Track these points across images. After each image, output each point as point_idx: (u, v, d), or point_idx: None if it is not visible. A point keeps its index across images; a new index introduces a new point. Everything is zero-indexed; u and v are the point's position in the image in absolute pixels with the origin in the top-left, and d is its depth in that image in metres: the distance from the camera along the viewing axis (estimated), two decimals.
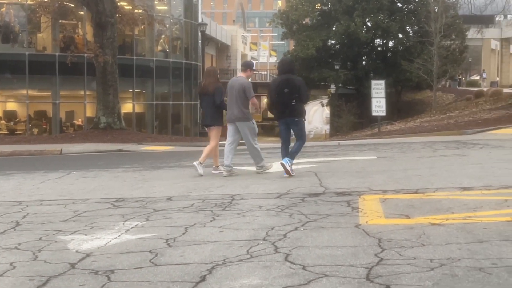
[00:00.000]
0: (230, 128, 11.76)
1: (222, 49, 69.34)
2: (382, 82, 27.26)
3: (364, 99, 42.78)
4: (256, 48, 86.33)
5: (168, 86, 41.04)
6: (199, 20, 42.05)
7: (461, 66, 56.08)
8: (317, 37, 48.62)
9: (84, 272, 5.04)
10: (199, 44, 42.06)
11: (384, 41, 52.10)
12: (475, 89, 55.06)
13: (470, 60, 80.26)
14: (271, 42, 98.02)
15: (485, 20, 69.88)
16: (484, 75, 77.84)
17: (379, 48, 53.02)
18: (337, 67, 48.66)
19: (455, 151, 14.56)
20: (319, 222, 6.67)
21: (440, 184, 9.13)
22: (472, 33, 48.63)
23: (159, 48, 41.04)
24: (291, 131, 11.35)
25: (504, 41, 76.59)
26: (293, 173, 10.95)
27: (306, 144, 13.79)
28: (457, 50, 48.41)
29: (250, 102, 11.64)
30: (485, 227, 6.03)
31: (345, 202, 7.91)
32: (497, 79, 79.08)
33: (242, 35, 76.34)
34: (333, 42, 52.35)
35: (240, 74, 12.03)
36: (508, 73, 77.14)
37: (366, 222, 6.54)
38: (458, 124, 24.90)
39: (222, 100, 12.04)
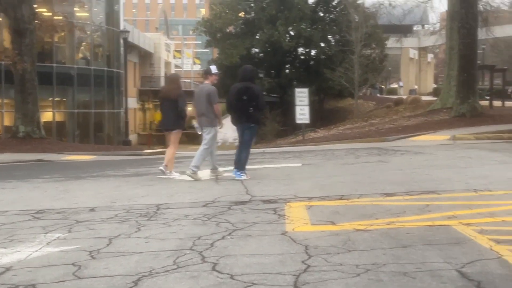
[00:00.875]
0: (200, 131, 12.10)
1: (145, 57, 68.61)
2: (306, 90, 27.57)
3: (288, 106, 43.23)
4: (180, 56, 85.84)
5: (90, 94, 40.28)
6: (121, 27, 41.50)
7: (381, 75, 57.57)
8: (241, 45, 48.83)
9: (4, 286, 4.84)
10: (122, 52, 41.48)
11: (307, 50, 52.86)
12: (395, 97, 56.69)
13: (389, 68, 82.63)
14: (195, 49, 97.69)
15: (404, 30, 72.26)
16: (401, 84, 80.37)
17: (302, 57, 53.73)
18: (261, 75, 49.02)
19: (377, 157, 14.89)
20: (246, 230, 6.66)
21: (364, 190, 9.31)
22: (391, 42, 50.12)
23: (80, 55, 40.24)
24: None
25: (422, 50, 79.22)
26: (248, 176, 11.42)
27: (231, 151, 13.86)
28: (377, 59, 49.64)
29: (214, 108, 11.83)
30: (408, 232, 6.17)
31: (271, 209, 7.94)
32: (415, 87, 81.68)
33: (165, 43, 75.78)
34: (257, 50, 52.70)
35: (205, 81, 12.22)
36: (425, 81, 79.84)
37: (293, 229, 6.58)
38: (380, 131, 25.51)
39: (184, 106, 12.47)
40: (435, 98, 46.23)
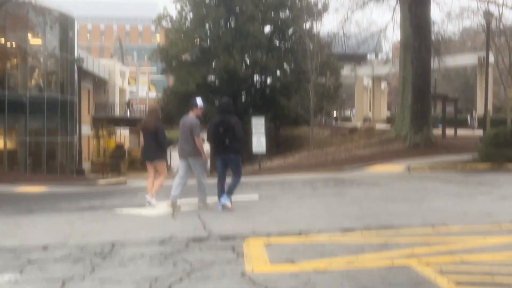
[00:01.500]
0: (181, 164, 12.41)
1: (100, 84, 67.96)
2: (262, 119, 27.59)
3: (245, 134, 43.25)
4: (135, 83, 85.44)
5: (43, 122, 39.60)
6: (76, 54, 41.07)
7: (336, 103, 58.14)
8: (197, 72, 48.79)
9: None
10: (76, 79, 41.01)
11: (263, 78, 53.11)
12: (350, 124, 57.42)
13: (344, 96, 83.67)
14: (150, 76, 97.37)
15: (358, 59, 73.31)
16: (354, 112, 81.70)
17: (258, 85, 53.89)
18: (217, 103, 49.03)
19: (334, 189, 14.94)
20: (205, 271, 6.54)
21: (322, 225, 9.29)
22: (346, 71, 50.83)
23: (33, 82, 39.59)
24: (227, 168, 12.05)
25: (376, 79, 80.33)
26: (231, 207, 11.61)
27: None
28: (332, 87, 50.15)
29: (195, 141, 12.08)
30: (368, 272, 6.15)
31: (230, 247, 7.84)
32: (370, 114, 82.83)
33: (120, 69, 75.29)
34: (213, 78, 52.71)
35: (190, 113, 12.40)
36: (379, 109, 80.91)
37: (252, 269, 6.49)
38: (336, 160, 25.71)
39: (164, 138, 12.95)
40: (389, 126, 46.93)
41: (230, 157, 11.90)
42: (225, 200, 11.73)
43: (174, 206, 12.20)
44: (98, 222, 10.91)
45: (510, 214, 9.88)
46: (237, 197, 13.50)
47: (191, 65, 50.98)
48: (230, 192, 11.89)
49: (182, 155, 12.39)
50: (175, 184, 12.38)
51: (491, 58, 36.00)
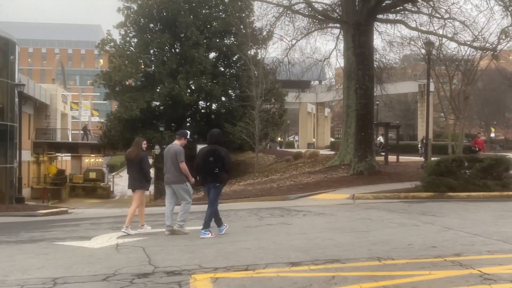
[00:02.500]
0: (167, 192, 13.02)
1: (41, 108, 66.74)
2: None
3: (191, 163, 43.06)
4: (77, 108, 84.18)
5: None
6: (17, 79, 40.21)
7: (281, 129, 58.63)
8: (141, 98, 48.49)
9: None
10: (16, 104, 40.10)
11: (208, 104, 53.21)
12: (294, 150, 57.79)
13: (288, 122, 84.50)
14: (93, 101, 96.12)
15: (303, 85, 74.29)
16: (297, 138, 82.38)
17: (203, 110, 53.96)
18: (161, 128, 48.72)
19: (280, 219, 14.95)
20: None
21: (269, 258, 9.25)
22: (290, 97, 51.27)
23: None
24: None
25: (319, 105, 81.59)
26: (213, 234, 12.14)
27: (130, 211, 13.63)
28: (276, 113, 50.53)
29: (180, 167, 12.57)
30: None
31: (175, 283, 7.72)
32: (313, 140, 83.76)
33: (62, 94, 74.12)
34: (157, 103, 52.47)
35: (175, 141, 13.02)
36: (323, 134, 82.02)
37: None
38: (281, 188, 25.74)
39: (147, 167, 13.64)
40: (332, 152, 47.47)
41: (215, 185, 12.33)
42: (203, 235, 12.11)
43: (173, 232, 12.68)
44: (39, 256, 10.60)
45: (453, 246, 10.05)
46: (186, 228, 13.35)
47: (135, 90, 50.68)
48: (206, 225, 12.27)
49: (167, 182, 12.91)
50: (166, 215, 12.92)
51: (432, 86, 36.87)
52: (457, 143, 31.57)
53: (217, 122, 49.36)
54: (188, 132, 13.53)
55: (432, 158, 26.76)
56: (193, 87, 50.43)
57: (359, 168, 26.89)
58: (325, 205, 18.24)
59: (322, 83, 76.73)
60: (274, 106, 50.61)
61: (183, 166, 12.68)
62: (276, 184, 28.48)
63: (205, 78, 49.28)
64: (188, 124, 52.60)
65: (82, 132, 73.32)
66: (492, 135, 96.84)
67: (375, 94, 32.29)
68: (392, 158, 37.95)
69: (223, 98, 52.12)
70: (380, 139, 49.51)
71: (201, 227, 12.41)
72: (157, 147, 51.26)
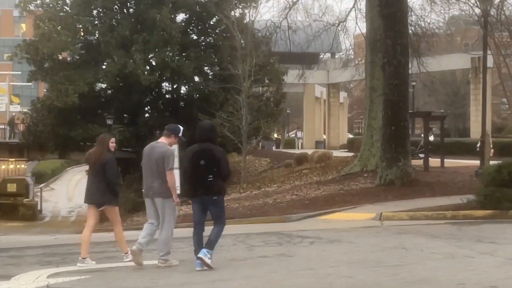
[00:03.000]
0: (149, 207, 13.41)
1: None
2: (174, 146, 27.42)
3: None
4: None
5: None
6: None
7: (278, 121, 58.53)
8: (81, 79, 48.23)
9: None
10: None
11: (175, 86, 53.07)
12: (297, 151, 57.77)
13: (288, 112, 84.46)
14: (11, 83, 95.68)
15: (308, 60, 74.35)
16: (299, 134, 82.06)
17: (168, 96, 53.80)
18: (109, 121, 48.58)
19: (278, 249, 15.01)
20: None
21: None
22: (291, 77, 51.17)
23: None
24: (207, 213, 12.82)
25: (332, 88, 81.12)
26: (213, 266, 12.29)
27: (73, 239, 13.68)
28: (272, 99, 50.42)
29: (166, 176, 12.90)
30: None
31: None
32: (324, 137, 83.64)
33: None
34: (103, 86, 52.32)
35: (162, 139, 13.46)
36: (337, 129, 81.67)
37: None
38: (279, 205, 25.74)
39: (114, 176, 14.02)
40: (350, 154, 47.49)
41: (212, 199, 12.62)
42: (204, 255, 12.30)
43: (135, 254, 13.02)
44: None
45: None
46: (144, 262, 13.40)
47: (72, 68, 50.45)
48: (211, 246, 12.55)
49: (148, 195, 13.26)
50: (146, 231, 13.38)
51: (490, 61, 36.97)
52: None
53: (188, 111, 49.26)
54: (181, 128, 13.67)
55: (491, 162, 26.87)
56: (153, 63, 50.21)
57: (388, 177, 26.95)
58: (341, 229, 18.27)
59: (336, 57, 76.83)
60: (269, 89, 50.55)
61: (171, 176, 13.01)
62: (272, 199, 28.50)
63: (170, 50, 49.06)
64: (147, 115, 52.47)
65: (8, 127, 72.56)
66: None
67: (410, 72, 32.30)
68: (434, 161, 38.05)
69: (197, 78, 51.93)
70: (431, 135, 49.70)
71: (209, 251, 12.55)
72: None
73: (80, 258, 13.80)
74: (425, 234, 16.59)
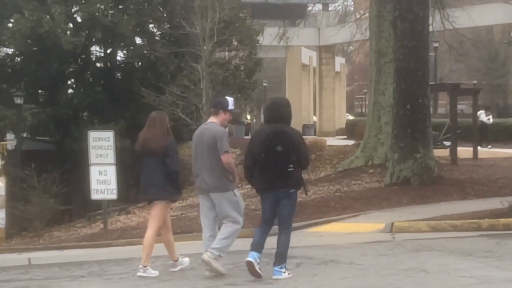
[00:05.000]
0: (203, 205, 14.71)
1: None
2: (109, 134, 27.29)
3: (74, 163, 42.88)
4: None
5: None
6: None
7: (252, 97, 58.54)
8: None
9: None
10: None
11: (109, 51, 52.94)
12: None
13: (265, 85, 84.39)
14: None
15: (292, 14, 74.24)
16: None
17: (98, 64, 53.70)
18: (18, 100, 48.31)
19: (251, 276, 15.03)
20: None
21: None
22: (269, 37, 51.15)
23: None
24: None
25: (325, 52, 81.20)
26: (290, 273, 14.05)
27: None
28: (243, 68, 50.34)
29: (222, 161, 14.12)
30: None
31: None
32: (314, 119, 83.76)
33: None
34: (10, 51, 52.10)
35: (211, 119, 14.78)
36: (332, 109, 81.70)
37: None
38: (253, 214, 24.96)
39: (177, 165, 15.12)
40: (351, 142, 47.63)
41: (289, 192, 13.82)
42: (278, 274, 13.86)
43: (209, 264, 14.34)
44: None
45: None
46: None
47: None
48: (283, 258, 13.94)
49: (202, 190, 14.67)
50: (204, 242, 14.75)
51: None
52: None
53: (127, 85, 49.18)
54: (229, 99, 14.81)
55: None
56: (79, 19, 50.14)
57: (402, 173, 27.06)
58: (339, 245, 18.34)
59: (330, 9, 77.03)
60: (238, 54, 50.48)
61: (228, 159, 14.22)
62: (245, 204, 28.54)
63: (102, 1, 48.96)
64: (71, 90, 52.35)
65: None
66: None
67: (431, 29, 32.39)
68: (465, 151, 38.22)
69: (139, 40, 51.88)
70: (482, 115, 50.31)
71: (282, 265, 13.93)
72: (10, 136, 50.99)
73: (141, 266, 15.10)
74: (453, 251, 16.68)
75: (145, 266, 15.03)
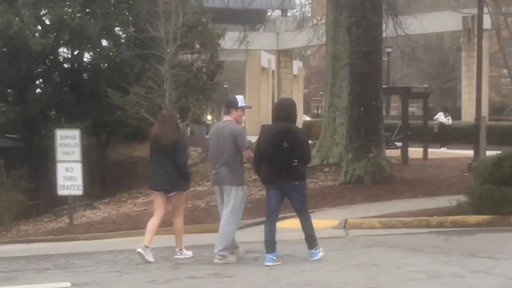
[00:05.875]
0: (217, 195, 15.78)
1: None
2: (76, 133, 27.27)
3: (42, 159, 42.63)
4: None
5: None
6: None
7: (213, 99, 58.45)
8: None
9: None
10: None
11: (76, 53, 52.72)
12: None
13: (226, 86, 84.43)
14: None
15: (252, 19, 74.26)
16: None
17: (66, 65, 53.44)
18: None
19: (212, 267, 15.10)
20: None
21: None
22: (230, 41, 51.15)
23: None
24: (283, 201, 15.39)
25: (283, 56, 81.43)
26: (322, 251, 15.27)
27: None
28: (205, 71, 50.33)
29: (243, 156, 15.19)
30: None
31: None
32: None
33: None
34: None
35: (226, 118, 15.57)
36: None
37: None
38: (213, 210, 25.61)
39: (185, 158, 16.35)
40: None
41: (294, 184, 14.81)
42: (315, 256, 15.09)
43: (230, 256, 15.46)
44: None
45: None
46: (32, 286, 13.39)
47: None
48: (313, 243, 15.18)
49: (217, 181, 15.49)
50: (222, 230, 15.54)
51: (486, 21, 37.34)
52: None
53: (94, 85, 49.00)
54: (239, 97, 15.68)
55: (488, 152, 27.15)
56: (47, 22, 49.87)
57: (356, 172, 27.13)
58: (295, 241, 18.27)
59: (289, 15, 77.05)
60: (200, 57, 50.46)
61: (249, 154, 15.14)
62: (205, 202, 28.55)
63: (70, 5, 48.76)
64: (39, 90, 52.07)
65: None
66: None
67: (385, 35, 32.48)
68: (415, 152, 38.40)
69: (105, 43, 51.67)
70: (441, 116, 50.89)
71: (315, 248, 15.17)
72: None
73: (142, 245, 15.93)
74: (403, 246, 16.74)
75: (181, 249, 16.50)
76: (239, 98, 15.60)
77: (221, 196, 15.55)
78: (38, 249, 21.55)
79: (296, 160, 14.47)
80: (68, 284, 13.92)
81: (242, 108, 15.55)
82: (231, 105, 15.45)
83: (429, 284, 12.58)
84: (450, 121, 51.89)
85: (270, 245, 15.04)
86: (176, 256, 16.37)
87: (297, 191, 14.90)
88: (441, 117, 51.85)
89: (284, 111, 14.90)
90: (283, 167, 14.49)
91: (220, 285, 13.14)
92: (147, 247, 15.91)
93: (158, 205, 16.65)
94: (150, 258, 15.84)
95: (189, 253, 16.52)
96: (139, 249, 15.83)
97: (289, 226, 21.38)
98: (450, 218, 20.22)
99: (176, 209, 16.71)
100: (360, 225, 20.30)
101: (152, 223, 16.48)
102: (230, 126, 15.25)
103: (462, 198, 21.02)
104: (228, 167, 15.09)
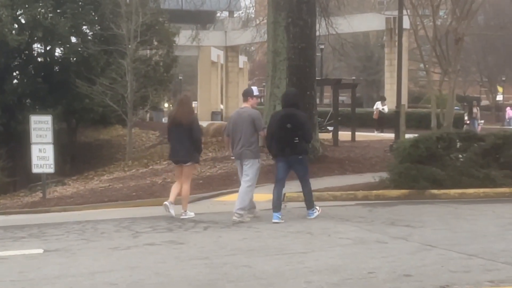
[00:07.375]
0: (239, 168, 17.06)
1: None
2: (48, 118, 27.21)
3: (18, 142, 42.28)
4: None
5: None
6: None
7: (169, 89, 58.31)
8: None
9: None
10: None
11: (49, 48, 52.27)
12: None
13: (180, 78, 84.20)
14: None
15: (203, 19, 74.07)
16: (194, 104, 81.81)
17: (39, 59, 52.95)
18: None
19: (168, 235, 15.00)
20: None
21: None
22: (184, 38, 51.01)
23: None
24: (289, 172, 16.73)
25: (231, 51, 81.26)
26: (319, 209, 16.82)
27: None
28: (161, 64, 50.19)
29: (260, 135, 16.58)
30: None
31: None
32: (221, 107, 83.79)
33: None
34: None
35: (244, 104, 16.90)
36: (236, 98, 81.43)
37: None
38: (169, 185, 25.28)
39: (199, 134, 17.99)
40: None
41: (298, 158, 16.17)
42: (311, 215, 16.54)
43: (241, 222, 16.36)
44: None
45: (438, 273, 10.34)
46: (9, 252, 13.29)
47: None
48: (311, 204, 16.62)
49: (238, 156, 16.70)
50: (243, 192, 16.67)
51: (406, 22, 37.58)
52: (445, 111, 32.25)
53: (64, 77, 48.58)
54: (254, 88, 17.52)
55: (406, 136, 27.30)
56: (23, 21, 49.41)
57: None
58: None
59: (235, 16, 76.89)
60: (158, 52, 50.28)
61: (265, 133, 16.40)
62: (162, 178, 28.48)
63: (42, 6, 48.33)
64: (16, 81, 51.57)
65: None
66: (499, 97, 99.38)
67: (318, 33, 32.52)
68: (345, 135, 38.58)
69: (74, 39, 51.22)
70: (378, 104, 51.59)
71: (312, 208, 16.61)
72: None
73: (169, 201, 17.51)
74: (333, 217, 16.81)
75: (185, 211, 17.57)
76: (254, 89, 17.35)
77: (241, 168, 16.78)
78: (15, 220, 21.46)
79: (297, 138, 15.82)
80: (41, 250, 13.80)
81: (257, 97, 16.94)
82: (248, 94, 16.83)
83: (355, 249, 12.65)
84: (386, 109, 52.21)
85: (277, 206, 16.27)
86: (181, 217, 17.30)
87: (300, 163, 16.29)
88: (378, 105, 52.58)
89: (289, 99, 16.46)
90: (286, 143, 15.88)
91: (174, 251, 13.08)
92: (171, 202, 17.36)
93: (178, 174, 18.01)
94: (172, 211, 17.26)
95: (191, 214, 17.55)
96: (166, 202, 17.40)
97: (234, 200, 21.33)
98: (374, 192, 20.42)
99: (186, 177, 17.73)
100: (296, 198, 20.27)
101: (175, 187, 17.90)
102: (249, 111, 16.56)
103: (384, 175, 21.29)
104: (247, 144, 16.34)
